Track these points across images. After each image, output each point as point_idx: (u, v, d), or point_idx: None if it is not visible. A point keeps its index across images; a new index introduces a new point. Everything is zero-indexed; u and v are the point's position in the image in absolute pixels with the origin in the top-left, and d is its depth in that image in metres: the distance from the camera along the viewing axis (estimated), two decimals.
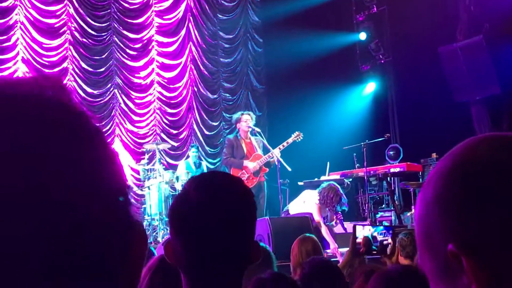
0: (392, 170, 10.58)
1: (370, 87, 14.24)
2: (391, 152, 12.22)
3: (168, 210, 1.69)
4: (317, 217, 8.29)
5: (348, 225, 8.56)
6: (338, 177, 10.66)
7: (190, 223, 1.57)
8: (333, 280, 3.27)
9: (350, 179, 10.72)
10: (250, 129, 9.43)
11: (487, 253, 0.78)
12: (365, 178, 10.47)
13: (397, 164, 11.08)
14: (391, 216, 11.22)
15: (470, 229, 0.79)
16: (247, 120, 9.40)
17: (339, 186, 8.41)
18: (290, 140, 9.37)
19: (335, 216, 8.56)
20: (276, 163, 9.25)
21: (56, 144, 0.63)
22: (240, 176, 8.96)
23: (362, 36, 14.15)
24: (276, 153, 9.20)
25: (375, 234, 3.93)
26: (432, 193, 0.84)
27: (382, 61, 13.87)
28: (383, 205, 12.16)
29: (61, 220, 0.61)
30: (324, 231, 8.16)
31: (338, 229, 8.77)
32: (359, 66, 14.24)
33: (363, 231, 3.91)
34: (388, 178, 10.76)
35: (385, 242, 3.88)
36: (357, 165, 10.98)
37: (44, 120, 0.64)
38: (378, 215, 11.55)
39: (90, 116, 0.69)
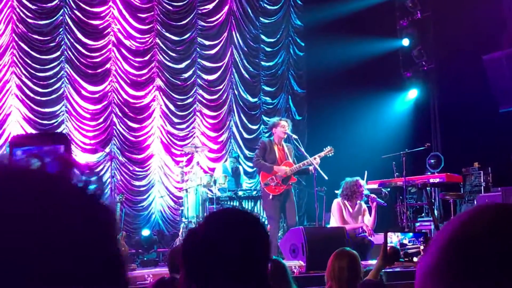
0: (431, 180, 10.36)
1: (412, 94, 14.01)
2: (432, 161, 12.00)
3: (182, 245, 1.68)
4: (336, 218, 8.63)
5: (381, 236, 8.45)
6: (376, 186, 10.50)
7: (201, 260, 1.56)
8: None
9: (388, 189, 10.54)
10: (286, 136, 9.32)
11: None
12: (404, 187, 10.27)
13: (436, 174, 10.86)
14: (430, 225, 11.01)
15: None
16: (284, 126, 9.29)
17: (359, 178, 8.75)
18: (322, 154, 9.23)
19: (366, 208, 8.85)
20: (313, 171, 9.13)
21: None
22: (269, 182, 8.90)
23: (405, 42, 13.92)
24: (312, 161, 9.08)
25: (405, 241, 3.92)
26: (429, 263, 0.84)
27: (425, 68, 13.63)
28: (423, 214, 11.96)
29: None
30: (348, 226, 8.46)
31: (376, 240, 8.61)
32: (401, 72, 14.01)
33: (393, 238, 3.90)
34: (428, 188, 10.53)
35: (410, 251, 3.85)
36: (396, 174, 10.79)
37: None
38: (417, 224, 11.35)
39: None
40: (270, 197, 9.01)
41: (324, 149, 9.25)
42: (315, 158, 9.09)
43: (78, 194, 0.73)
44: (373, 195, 8.89)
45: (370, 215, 8.89)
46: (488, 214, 0.83)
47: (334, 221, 8.77)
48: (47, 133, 10.14)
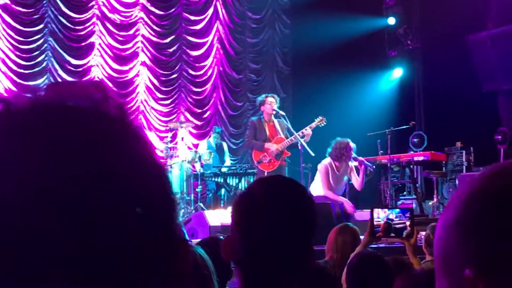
0: (416, 158, 10.44)
1: (397, 73, 14.03)
2: (415, 140, 12.08)
3: (232, 206, 1.73)
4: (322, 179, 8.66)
5: (366, 212, 8.49)
6: None
7: (255, 221, 1.61)
8: (380, 276, 3.27)
9: (374, 166, 10.59)
10: (274, 112, 9.30)
11: (503, 280, 0.78)
12: (388, 165, 10.33)
13: (421, 152, 10.94)
14: (412, 204, 11.10)
15: (488, 256, 0.79)
16: (271, 103, 9.26)
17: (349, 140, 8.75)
18: (313, 125, 9.23)
19: (352, 167, 8.84)
20: (299, 147, 9.13)
21: (100, 152, 0.63)
22: (262, 159, 8.92)
23: (391, 21, 13.91)
24: (298, 137, 9.08)
25: (391, 216, 3.96)
26: (452, 217, 0.84)
27: (410, 47, 13.64)
28: (405, 193, 12.05)
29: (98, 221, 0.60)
30: (329, 195, 8.58)
31: (359, 216, 8.65)
32: (386, 51, 14.02)
33: (380, 214, 3.95)
34: (411, 166, 10.60)
35: (399, 226, 3.90)
36: (381, 152, 10.85)
37: (90, 130, 0.64)
38: (399, 203, 11.44)
39: (132, 125, 0.68)
40: (265, 174, 9.00)
41: (315, 119, 9.24)
42: (306, 129, 9.07)
43: (143, 140, 0.69)
44: (361, 158, 8.91)
45: (358, 176, 8.92)
46: (509, 169, 0.84)
47: (318, 182, 8.75)
48: (85, 80, 10.10)
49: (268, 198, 1.63)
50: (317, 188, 8.78)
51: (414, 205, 10.87)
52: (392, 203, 10.92)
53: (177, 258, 0.68)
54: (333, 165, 8.75)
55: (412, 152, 11.33)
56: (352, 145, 8.76)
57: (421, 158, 10.47)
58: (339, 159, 8.71)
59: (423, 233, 5.15)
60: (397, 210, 4.11)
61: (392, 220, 3.95)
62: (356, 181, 8.89)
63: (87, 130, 0.64)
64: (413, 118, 12.31)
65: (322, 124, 9.27)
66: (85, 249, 0.59)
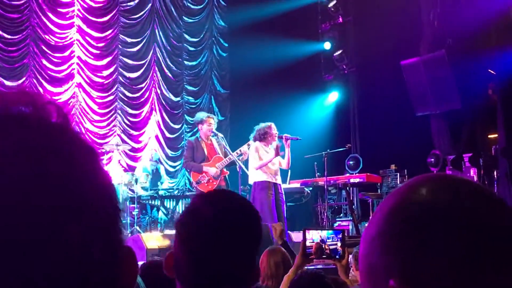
0: (352, 180, 10.60)
1: (333, 97, 14.26)
2: (351, 162, 12.25)
3: (176, 222, 1.70)
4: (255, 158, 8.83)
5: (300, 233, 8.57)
6: (298, 185, 10.65)
7: (199, 237, 1.59)
8: None
9: (310, 188, 10.70)
10: (212, 134, 9.31)
11: None
12: (325, 187, 10.45)
13: (357, 174, 11.11)
14: (348, 225, 11.24)
15: (409, 265, 0.82)
16: (211, 124, 9.26)
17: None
18: (250, 143, 9.25)
19: (278, 144, 8.94)
20: (238, 168, 9.15)
21: (51, 170, 0.62)
22: (200, 179, 8.89)
23: (327, 45, 14.16)
24: (235, 158, 9.09)
25: (324, 237, 3.98)
26: (375, 230, 0.88)
27: (346, 72, 13.90)
28: (341, 214, 12.18)
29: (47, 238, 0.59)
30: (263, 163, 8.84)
31: (297, 237, 8.69)
32: (322, 75, 14.24)
33: (313, 235, 3.96)
34: (348, 188, 10.76)
35: (332, 247, 3.92)
36: (318, 174, 10.97)
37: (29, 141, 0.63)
38: (336, 224, 11.56)
39: (87, 143, 0.68)
40: None
41: (245, 145, 9.28)
42: (243, 147, 9.09)
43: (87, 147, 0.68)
44: (286, 134, 9.03)
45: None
46: (426, 184, 0.88)
47: (254, 162, 8.87)
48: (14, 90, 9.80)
49: (214, 213, 1.61)
50: (253, 173, 8.86)
51: (350, 227, 11.01)
52: (329, 225, 11.04)
53: (123, 268, 0.68)
54: (262, 146, 8.86)
55: (348, 174, 11.50)
56: (274, 126, 9.03)
57: (357, 180, 10.63)
58: (264, 139, 8.83)
59: None
60: (330, 231, 4.12)
61: (324, 241, 3.97)
62: (284, 162, 9.04)
63: (28, 138, 0.63)
64: (349, 141, 12.52)
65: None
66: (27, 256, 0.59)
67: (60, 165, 0.63)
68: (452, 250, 0.81)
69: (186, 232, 1.62)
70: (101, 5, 12.76)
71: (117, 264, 0.67)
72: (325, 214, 11.00)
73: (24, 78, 11.73)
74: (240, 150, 9.11)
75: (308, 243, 3.87)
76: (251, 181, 8.92)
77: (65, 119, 0.68)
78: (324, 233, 3.96)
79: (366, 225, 0.92)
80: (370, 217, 0.98)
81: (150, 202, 10.69)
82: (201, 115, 9.59)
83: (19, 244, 0.58)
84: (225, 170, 9.30)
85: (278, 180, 8.98)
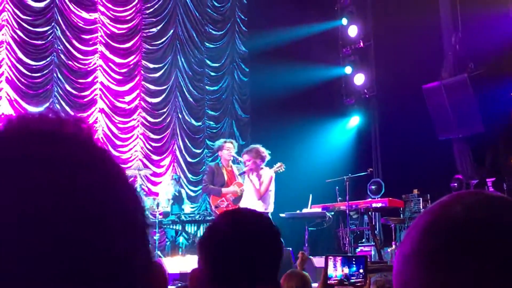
0: (374, 205, 10.53)
1: (354, 121, 14.24)
2: (373, 187, 12.18)
3: (199, 239, 1.75)
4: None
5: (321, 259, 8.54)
6: (320, 210, 10.60)
7: (219, 252, 1.64)
8: None
9: (332, 213, 10.64)
10: (232, 158, 9.34)
11: None
12: (347, 212, 10.40)
13: (379, 199, 11.04)
14: (371, 251, 11.14)
15: (443, 283, 0.83)
16: (229, 148, 9.31)
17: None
18: (273, 170, 9.25)
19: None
20: None
21: (80, 183, 0.64)
22: (219, 204, 8.89)
23: (348, 70, 14.18)
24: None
25: (346, 264, 3.94)
26: (409, 248, 0.88)
27: (367, 96, 13.89)
28: (363, 240, 12.08)
29: (82, 255, 0.62)
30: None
31: (318, 262, 8.65)
32: (343, 99, 14.25)
33: (335, 261, 3.92)
34: (370, 213, 10.69)
35: (353, 274, 3.88)
36: (339, 198, 10.92)
37: (69, 160, 0.65)
38: (358, 250, 11.47)
39: (111, 155, 0.71)
40: None
41: (274, 165, 9.26)
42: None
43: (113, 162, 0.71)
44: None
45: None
46: (460, 201, 0.89)
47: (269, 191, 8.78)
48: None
49: (234, 228, 1.65)
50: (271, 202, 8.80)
51: (372, 252, 10.91)
52: (351, 250, 10.96)
53: (151, 278, 0.70)
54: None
55: (370, 199, 11.43)
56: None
57: (379, 205, 10.56)
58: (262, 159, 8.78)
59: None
60: (352, 258, 4.10)
61: (348, 278, 3.93)
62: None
63: (61, 154, 0.65)
64: (370, 165, 12.46)
65: (281, 170, 9.31)
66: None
67: (92, 178, 0.65)
68: (489, 266, 0.81)
69: (207, 248, 1.66)
70: (124, 31, 12.94)
71: (150, 276, 0.69)
72: (347, 239, 10.93)
73: (47, 104, 11.87)
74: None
75: (330, 271, 3.85)
76: (267, 209, 8.78)
77: (92, 135, 0.71)
78: (346, 269, 3.92)
79: (400, 243, 0.94)
80: (403, 236, 0.97)
81: (171, 227, 10.71)
82: (219, 142, 9.66)
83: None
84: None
85: None
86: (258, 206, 8.37)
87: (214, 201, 9.21)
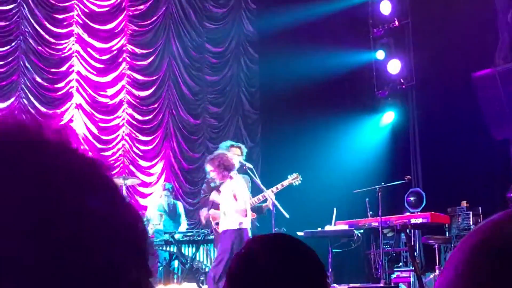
0: (413, 220, 10.50)
1: (388, 118, 14.19)
2: (412, 198, 12.13)
3: (229, 271, 1.78)
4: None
5: None
6: (346, 227, 10.57)
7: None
8: None
9: (361, 231, 10.61)
10: (239, 165, 9.31)
11: None
12: (380, 229, 10.37)
13: (419, 213, 11.00)
14: (409, 277, 11.11)
15: None
16: (236, 155, 9.27)
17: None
18: (285, 183, 9.26)
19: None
20: (271, 207, 9.14)
21: (64, 192, 0.71)
22: (220, 220, 8.86)
23: (380, 55, 14.14)
24: (270, 195, 9.08)
25: None
26: (453, 272, 0.90)
27: (404, 86, 13.85)
28: (400, 264, 12.06)
29: (78, 267, 0.70)
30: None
31: None
32: (375, 91, 14.21)
33: None
34: (408, 231, 10.66)
35: None
36: (370, 213, 10.89)
37: (50, 168, 0.72)
38: (393, 276, 11.44)
39: (99, 163, 0.78)
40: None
41: (289, 176, 9.25)
42: (277, 188, 9.08)
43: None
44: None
45: None
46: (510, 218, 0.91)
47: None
48: None
49: (273, 262, 1.68)
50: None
51: (412, 279, 10.89)
52: (385, 277, 10.93)
53: None
54: None
55: (408, 213, 11.39)
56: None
57: (419, 221, 10.52)
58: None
59: None
60: None
61: None
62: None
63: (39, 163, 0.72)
64: (408, 172, 12.41)
65: (297, 183, 9.31)
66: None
67: (99, 200, 0.73)
68: None
69: (240, 283, 1.65)
70: (106, 9, 12.97)
71: None
72: (380, 263, 10.91)
73: (13, 99, 11.92)
74: (277, 188, 9.11)
75: None
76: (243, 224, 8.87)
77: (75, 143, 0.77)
78: None
79: (444, 265, 0.96)
80: (447, 260, 1.01)
81: (164, 248, 10.72)
82: (223, 146, 9.63)
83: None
84: (253, 212, 9.23)
85: None
86: (232, 220, 8.53)
87: (214, 216, 9.20)
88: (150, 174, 13.14)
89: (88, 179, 0.75)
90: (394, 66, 13.79)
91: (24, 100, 12.04)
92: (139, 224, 0.78)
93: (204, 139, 13.86)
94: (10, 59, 11.96)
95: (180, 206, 11.83)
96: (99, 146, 12.68)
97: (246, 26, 14.61)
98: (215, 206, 9.21)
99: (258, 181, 9.29)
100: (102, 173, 0.77)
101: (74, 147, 0.76)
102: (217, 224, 9.12)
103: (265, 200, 9.23)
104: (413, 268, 10.70)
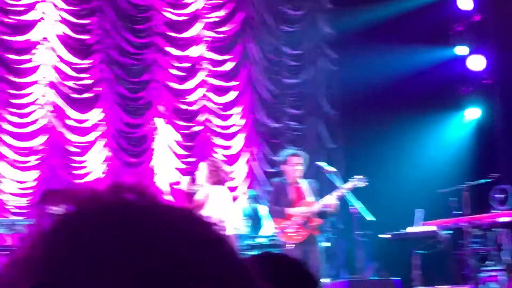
0: (500, 219, 10.33)
1: (473, 114, 13.99)
2: (499, 196, 11.93)
3: None
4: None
5: None
6: (435, 228, 10.43)
7: None
8: None
9: (451, 231, 10.48)
10: (300, 174, 9.20)
11: None
12: (467, 229, 10.23)
13: (507, 211, 10.81)
14: (497, 276, 10.92)
15: None
16: (295, 164, 9.20)
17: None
18: (348, 186, 9.11)
19: None
20: (350, 210, 9.11)
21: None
22: (283, 227, 8.85)
23: (462, 50, 13.95)
24: (330, 200, 8.96)
25: None
26: None
27: (489, 82, 13.64)
28: (487, 262, 11.84)
29: None
30: None
31: None
32: (457, 88, 14.02)
33: None
34: (496, 230, 10.49)
35: None
36: (456, 213, 10.75)
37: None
38: (482, 275, 11.25)
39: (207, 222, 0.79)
40: (293, 246, 8.89)
41: (350, 179, 9.14)
42: (342, 192, 9.00)
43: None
44: None
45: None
46: None
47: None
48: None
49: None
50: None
51: (503, 277, 10.71)
52: (475, 277, 10.78)
53: None
54: None
55: (495, 212, 11.21)
56: None
57: (507, 219, 10.37)
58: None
59: None
60: None
61: None
62: None
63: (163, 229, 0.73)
64: (493, 169, 12.20)
65: (362, 185, 9.14)
66: None
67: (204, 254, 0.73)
68: None
69: None
70: (183, 18, 13.14)
71: None
72: (469, 263, 10.75)
73: (100, 109, 12.26)
74: (341, 191, 9.06)
75: None
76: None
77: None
78: None
79: None
80: None
81: (250, 253, 10.78)
82: (283, 154, 9.60)
83: None
84: (319, 218, 9.12)
85: None
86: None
87: (278, 224, 9.18)
88: (232, 179, 13.20)
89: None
90: (477, 62, 13.61)
91: (109, 110, 12.31)
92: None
93: (285, 142, 13.82)
94: (93, 70, 12.25)
95: (261, 209, 11.85)
96: (181, 152, 12.83)
97: (323, 27, 14.53)
98: (277, 214, 9.20)
99: (338, 184, 9.19)
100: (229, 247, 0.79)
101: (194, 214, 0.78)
102: (281, 231, 9.13)
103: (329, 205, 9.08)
104: (504, 268, 10.53)
